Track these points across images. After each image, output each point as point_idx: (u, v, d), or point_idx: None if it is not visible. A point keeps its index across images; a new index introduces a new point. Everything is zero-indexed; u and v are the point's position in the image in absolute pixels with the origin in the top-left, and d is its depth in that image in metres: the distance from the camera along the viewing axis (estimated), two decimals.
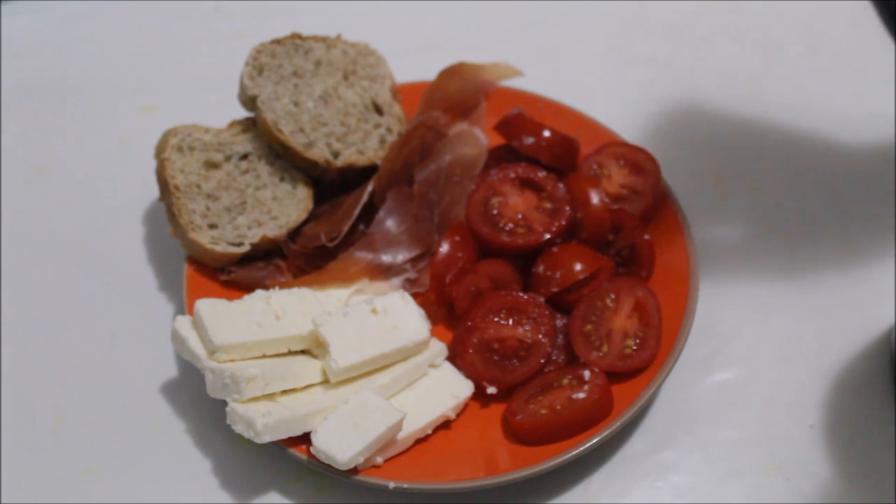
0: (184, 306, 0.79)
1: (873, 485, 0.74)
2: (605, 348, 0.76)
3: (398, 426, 0.70)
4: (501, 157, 0.88)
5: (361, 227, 0.86)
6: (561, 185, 0.83)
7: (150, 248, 0.90)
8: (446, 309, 0.82)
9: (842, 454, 0.76)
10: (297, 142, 0.85)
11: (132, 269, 0.88)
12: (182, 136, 0.85)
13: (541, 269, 0.80)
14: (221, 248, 0.81)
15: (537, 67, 0.97)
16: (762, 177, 0.95)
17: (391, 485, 0.70)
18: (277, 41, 0.89)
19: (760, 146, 0.98)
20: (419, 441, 0.74)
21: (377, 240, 0.84)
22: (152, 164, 0.84)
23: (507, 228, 0.82)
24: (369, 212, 0.85)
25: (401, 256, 0.84)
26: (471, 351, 0.76)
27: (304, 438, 0.71)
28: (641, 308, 0.77)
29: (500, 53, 0.96)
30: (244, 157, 0.86)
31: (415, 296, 0.81)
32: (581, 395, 0.72)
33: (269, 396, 0.72)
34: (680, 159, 0.91)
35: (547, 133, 0.86)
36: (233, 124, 0.88)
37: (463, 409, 0.76)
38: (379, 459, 0.71)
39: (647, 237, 0.81)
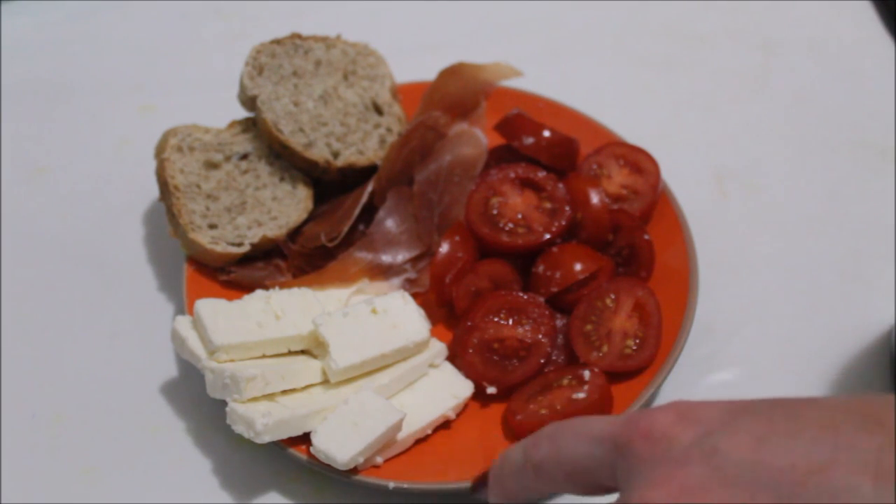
0: (184, 306, 0.79)
1: None
2: (605, 348, 0.76)
3: (398, 426, 0.70)
4: (501, 157, 0.88)
5: (361, 227, 0.86)
6: (561, 185, 0.83)
7: (150, 248, 0.90)
8: (446, 309, 0.82)
9: None
10: (297, 142, 0.85)
11: (132, 269, 0.88)
12: (182, 136, 0.85)
13: (541, 269, 0.80)
14: (221, 248, 0.81)
15: (537, 67, 0.97)
16: (762, 177, 0.95)
17: (391, 485, 0.70)
18: (277, 41, 0.89)
19: (760, 146, 0.98)
20: (419, 441, 0.74)
21: (377, 240, 0.84)
22: (152, 164, 0.84)
23: (507, 228, 0.82)
24: (369, 212, 0.85)
25: (401, 256, 0.84)
26: (471, 351, 0.76)
27: (304, 438, 0.71)
28: (641, 308, 0.77)
29: (500, 53, 0.96)
30: (244, 157, 0.86)
31: (415, 296, 0.81)
32: (581, 395, 0.72)
33: (269, 396, 0.72)
34: (680, 159, 0.91)
35: (547, 133, 0.86)
36: (233, 124, 0.88)
37: (463, 409, 0.76)
38: (379, 459, 0.71)
39: (647, 237, 0.81)
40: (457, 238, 0.81)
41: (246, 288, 0.81)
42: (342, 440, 0.69)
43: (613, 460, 0.46)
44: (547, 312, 0.77)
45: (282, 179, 0.86)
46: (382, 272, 0.83)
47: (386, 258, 0.83)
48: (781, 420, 0.42)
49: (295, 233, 0.85)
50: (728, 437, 0.42)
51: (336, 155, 0.87)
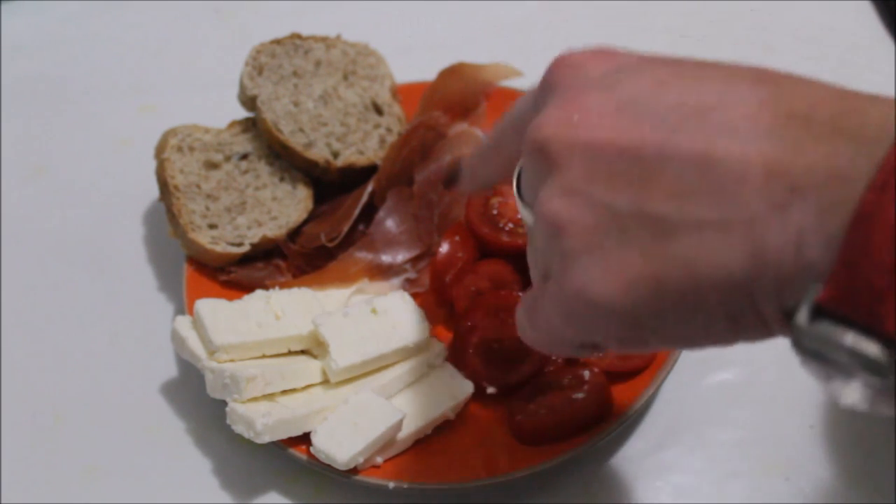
0: (184, 306, 0.79)
1: (873, 485, 0.74)
2: None
3: (398, 426, 0.70)
4: None
5: (361, 227, 0.86)
6: None
7: (150, 248, 0.90)
8: (446, 309, 0.82)
9: (842, 454, 0.76)
10: (297, 142, 0.85)
11: (132, 269, 0.88)
12: (182, 136, 0.85)
13: None
14: (221, 248, 0.81)
15: (537, 67, 0.96)
16: None
17: (391, 485, 0.70)
18: (277, 41, 0.89)
19: None
20: (419, 441, 0.74)
21: (377, 240, 0.84)
22: (152, 164, 0.84)
23: (507, 228, 0.82)
24: (369, 212, 0.85)
25: (401, 256, 0.84)
26: (471, 351, 0.76)
27: (304, 438, 0.71)
28: None
29: (500, 53, 0.96)
30: (244, 157, 0.86)
31: (415, 296, 0.81)
32: (581, 395, 0.72)
33: (269, 396, 0.72)
34: None
35: None
36: (233, 124, 0.88)
37: (463, 409, 0.76)
38: (379, 459, 0.71)
39: None
40: (457, 238, 0.81)
41: (246, 288, 0.81)
42: (342, 440, 0.69)
43: (538, 96, 0.51)
44: None
45: (282, 179, 0.86)
46: (382, 272, 0.83)
47: (386, 258, 0.83)
48: (687, 70, 0.45)
49: (295, 233, 0.85)
50: (633, 75, 0.45)
51: (336, 155, 0.87)
